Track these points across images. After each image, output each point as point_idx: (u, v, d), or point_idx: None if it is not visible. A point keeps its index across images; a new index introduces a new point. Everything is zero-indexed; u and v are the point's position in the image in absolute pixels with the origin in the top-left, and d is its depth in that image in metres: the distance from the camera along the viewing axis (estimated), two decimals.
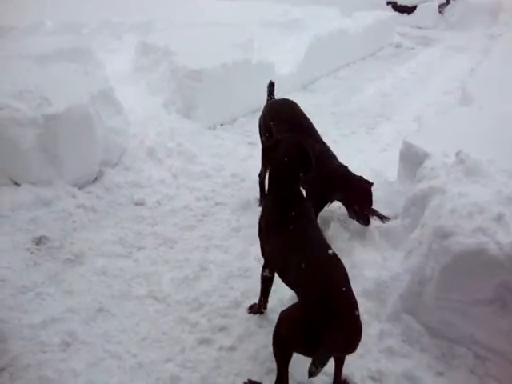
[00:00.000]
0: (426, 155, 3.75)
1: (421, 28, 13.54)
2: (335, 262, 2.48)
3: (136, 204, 4.35)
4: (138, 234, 3.96)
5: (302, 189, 2.96)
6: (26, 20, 7.78)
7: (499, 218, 2.69)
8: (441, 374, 2.75)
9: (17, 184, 4.14)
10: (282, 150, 2.81)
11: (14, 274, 3.37)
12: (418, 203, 3.40)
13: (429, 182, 3.39)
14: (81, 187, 4.38)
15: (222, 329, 3.06)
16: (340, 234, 3.81)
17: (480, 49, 10.44)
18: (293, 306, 2.45)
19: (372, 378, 2.72)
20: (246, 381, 2.69)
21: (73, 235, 3.86)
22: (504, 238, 2.60)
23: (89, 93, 4.58)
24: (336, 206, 4.07)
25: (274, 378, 2.53)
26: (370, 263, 3.47)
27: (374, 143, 5.94)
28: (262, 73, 6.44)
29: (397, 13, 13.42)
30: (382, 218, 3.84)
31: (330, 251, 2.52)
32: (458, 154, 3.33)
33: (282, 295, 3.15)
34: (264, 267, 3.01)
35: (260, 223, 2.93)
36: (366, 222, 3.81)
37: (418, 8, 14.05)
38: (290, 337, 2.35)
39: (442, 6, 14.45)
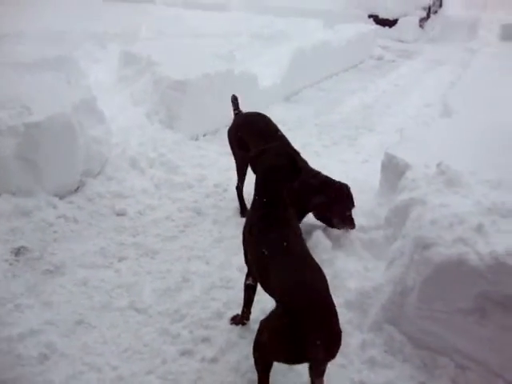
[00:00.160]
0: (407, 166, 3.79)
1: (402, 41, 13.71)
2: (316, 270, 2.49)
3: (118, 214, 4.31)
4: (120, 245, 3.92)
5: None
6: (6, 28, 7.72)
7: (479, 229, 2.72)
8: None
9: None
10: (269, 158, 2.83)
11: None
12: (400, 214, 3.43)
13: (410, 192, 3.42)
14: (62, 197, 4.33)
15: (204, 340, 3.02)
16: (322, 243, 3.81)
17: (460, 62, 10.59)
18: (274, 314, 2.43)
19: None
20: None
21: (53, 246, 3.80)
22: (484, 248, 2.63)
23: (71, 102, 4.55)
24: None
25: None
26: (352, 273, 3.49)
27: (356, 154, 5.97)
28: (244, 84, 6.48)
29: (378, 26, 13.55)
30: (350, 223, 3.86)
31: (312, 260, 2.52)
32: (438, 165, 3.37)
33: (265, 305, 3.12)
34: (247, 275, 3.01)
35: (244, 231, 2.93)
36: (351, 224, 3.83)
37: (399, 22, 14.22)
38: (271, 345, 2.34)
39: (422, 20, 14.67)
